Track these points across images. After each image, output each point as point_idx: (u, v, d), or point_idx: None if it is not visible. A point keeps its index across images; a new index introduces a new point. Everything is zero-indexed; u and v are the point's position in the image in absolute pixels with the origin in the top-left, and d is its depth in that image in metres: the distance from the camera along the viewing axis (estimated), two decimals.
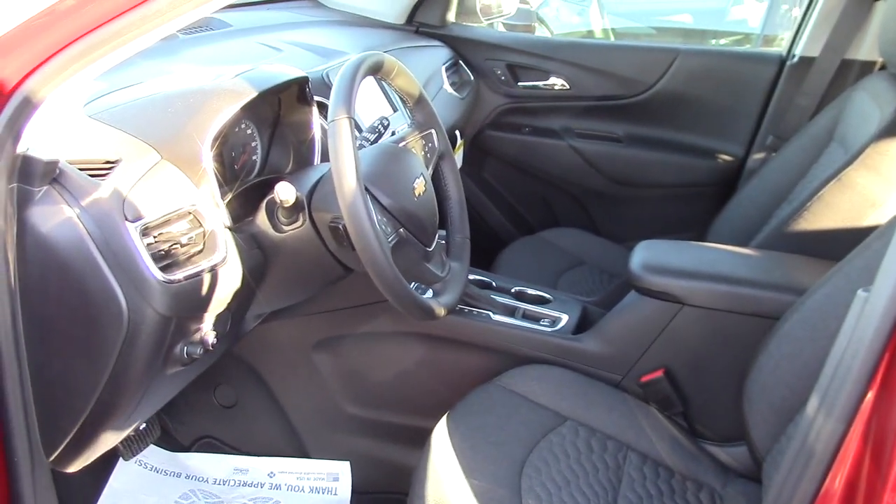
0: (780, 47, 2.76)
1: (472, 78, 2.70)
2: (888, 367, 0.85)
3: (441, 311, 1.44)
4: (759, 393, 1.37)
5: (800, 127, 2.15)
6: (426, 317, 1.41)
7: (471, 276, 1.92)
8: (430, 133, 1.62)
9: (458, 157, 2.58)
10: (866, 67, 2.29)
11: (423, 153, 1.60)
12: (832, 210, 1.66)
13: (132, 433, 1.51)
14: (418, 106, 1.60)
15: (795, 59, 2.40)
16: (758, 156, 2.45)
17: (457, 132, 2.48)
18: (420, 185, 1.44)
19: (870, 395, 0.86)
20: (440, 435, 1.48)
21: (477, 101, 2.73)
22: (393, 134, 1.66)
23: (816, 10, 2.35)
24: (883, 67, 2.17)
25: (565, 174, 2.76)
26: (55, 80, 0.99)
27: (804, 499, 0.90)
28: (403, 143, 1.55)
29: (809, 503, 0.90)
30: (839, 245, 1.40)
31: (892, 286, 0.83)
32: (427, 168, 1.59)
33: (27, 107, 0.98)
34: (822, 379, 0.92)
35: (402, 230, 1.40)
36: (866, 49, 2.29)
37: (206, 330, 1.30)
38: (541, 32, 3.84)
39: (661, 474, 1.49)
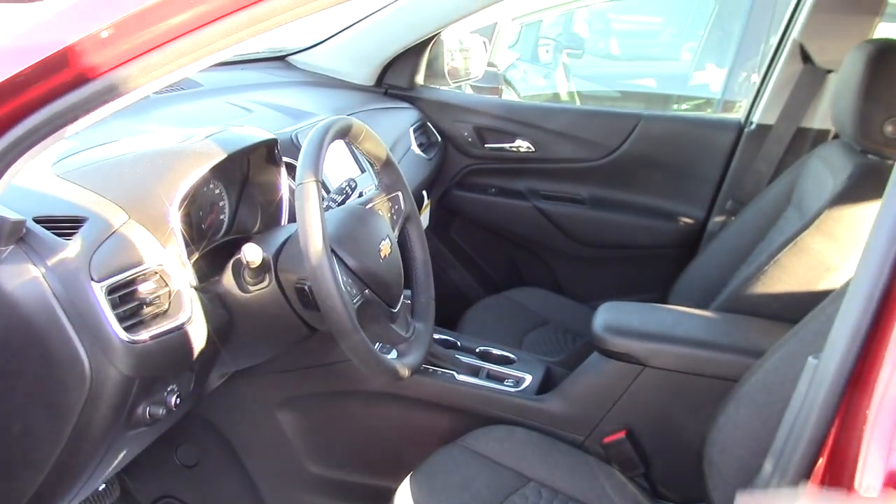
0: (738, 113, 2.84)
1: (440, 139, 2.73)
2: (839, 431, 0.87)
3: (405, 373, 1.45)
4: (718, 454, 1.38)
5: (758, 191, 2.20)
6: (390, 378, 1.42)
7: (436, 336, 1.93)
8: (397, 195, 1.65)
9: (425, 216, 2.61)
10: (821, 136, 2.37)
11: (389, 215, 1.63)
12: (788, 274, 1.70)
13: (90, 495, 1.49)
14: (385, 169, 1.63)
15: (753, 126, 2.46)
16: (718, 219, 2.50)
17: (424, 192, 2.51)
18: (386, 247, 1.46)
19: (822, 460, 0.88)
20: (402, 496, 1.48)
21: (444, 162, 2.76)
22: (360, 195, 1.69)
23: (773, 80, 2.43)
24: (836, 136, 2.24)
25: (531, 234, 2.80)
26: (23, 145, 1.00)
27: None
28: (370, 204, 1.57)
29: None
30: (796, 308, 1.44)
31: (841, 353, 0.86)
32: (393, 230, 1.61)
33: None
34: (776, 443, 0.94)
35: (367, 291, 1.41)
36: (820, 118, 2.37)
37: (170, 390, 1.30)
38: (508, 94, 3.92)
39: None
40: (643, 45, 6.79)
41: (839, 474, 0.86)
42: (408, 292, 1.65)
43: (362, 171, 2.07)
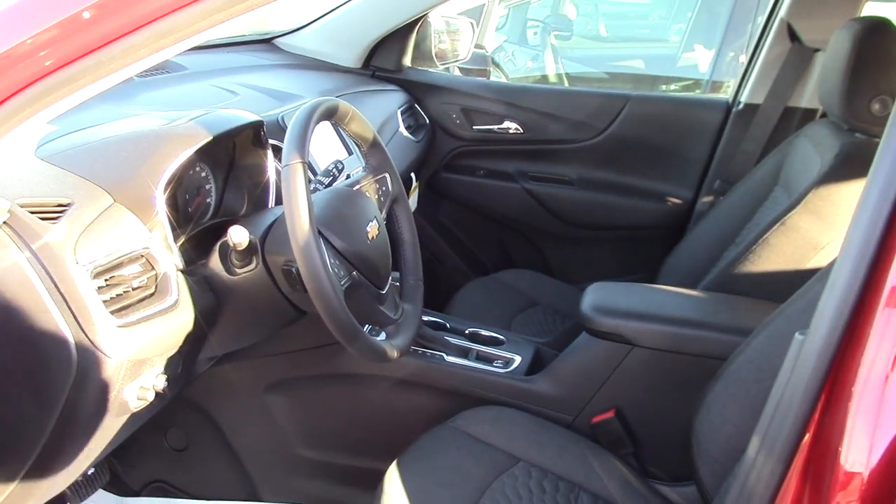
0: (726, 93, 2.84)
1: (428, 121, 2.73)
2: (825, 408, 0.87)
3: (394, 354, 1.45)
4: (706, 433, 1.39)
5: (746, 171, 2.21)
6: (379, 359, 1.42)
7: (425, 318, 1.93)
8: (384, 177, 1.64)
9: (414, 199, 2.60)
10: (808, 115, 2.37)
11: (376, 197, 1.62)
12: (776, 253, 1.70)
13: (80, 478, 1.48)
14: (372, 150, 1.62)
15: (741, 106, 2.47)
16: (706, 199, 2.51)
17: (412, 174, 2.50)
18: (373, 229, 1.46)
19: (808, 437, 0.88)
20: (392, 478, 1.48)
21: (432, 144, 2.76)
22: (348, 177, 1.68)
23: (760, 59, 2.43)
24: (824, 115, 2.25)
25: (519, 216, 2.80)
26: (8, 123, 0.99)
27: None
28: (357, 186, 1.56)
29: None
30: (783, 287, 1.44)
31: (826, 330, 0.86)
32: (381, 211, 1.60)
33: None
34: (763, 420, 0.95)
35: (355, 273, 1.41)
36: (808, 97, 2.37)
37: (157, 373, 1.29)
38: (497, 77, 3.90)
39: None
40: (632, 27, 6.80)
41: (825, 451, 0.86)
42: (396, 274, 1.65)
43: (350, 153, 2.06)
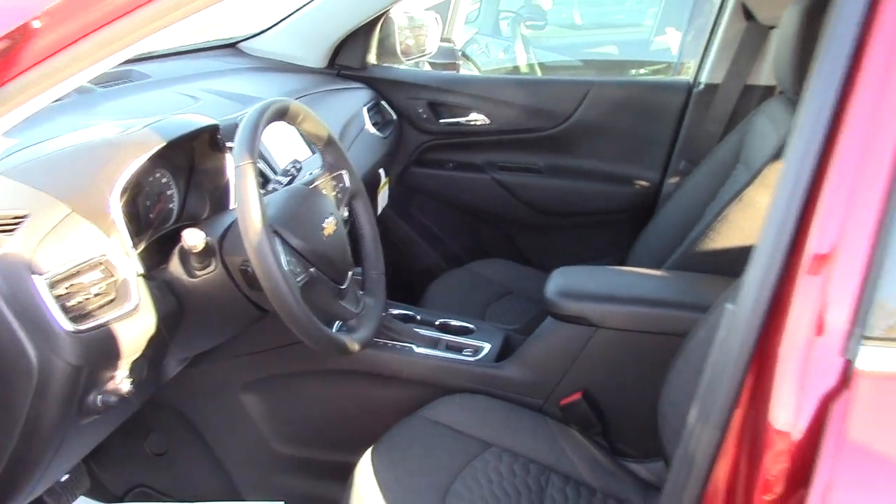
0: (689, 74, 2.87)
1: (395, 117, 2.75)
2: (755, 374, 0.90)
3: (355, 347, 1.47)
4: (670, 409, 1.42)
5: (709, 151, 2.23)
6: (340, 353, 1.44)
7: (395, 311, 1.95)
8: (341, 174, 1.67)
9: (384, 195, 2.62)
10: (768, 92, 2.40)
11: (334, 194, 1.64)
12: (734, 229, 1.73)
13: (57, 486, 1.51)
14: (328, 148, 1.64)
15: (701, 87, 2.50)
16: (672, 180, 2.54)
17: (381, 171, 2.52)
18: (330, 225, 1.48)
19: (741, 402, 0.91)
20: (363, 470, 1.50)
21: (400, 140, 2.78)
22: (308, 176, 1.70)
23: (718, 39, 2.45)
24: (782, 92, 2.27)
25: (490, 207, 2.82)
26: None
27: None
28: (314, 184, 1.59)
29: None
30: (743, 262, 1.45)
31: (753, 299, 0.89)
32: (339, 208, 1.63)
33: None
34: (699, 389, 0.97)
35: (312, 270, 1.43)
36: (766, 74, 2.40)
37: (121, 378, 1.31)
38: (468, 70, 3.92)
39: (582, 493, 1.53)
40: (607, 13, 6.80)
41: (756, 415, 0.89)
42: (360, 269, 1.68)
43: (313, 152, 2.08)
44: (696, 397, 0.98)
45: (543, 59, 5.13)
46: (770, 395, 0.86)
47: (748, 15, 2.36)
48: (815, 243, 0.85)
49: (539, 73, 4.85)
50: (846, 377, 0.83)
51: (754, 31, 2.36)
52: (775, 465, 0.86)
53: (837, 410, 0.83)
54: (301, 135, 2.07)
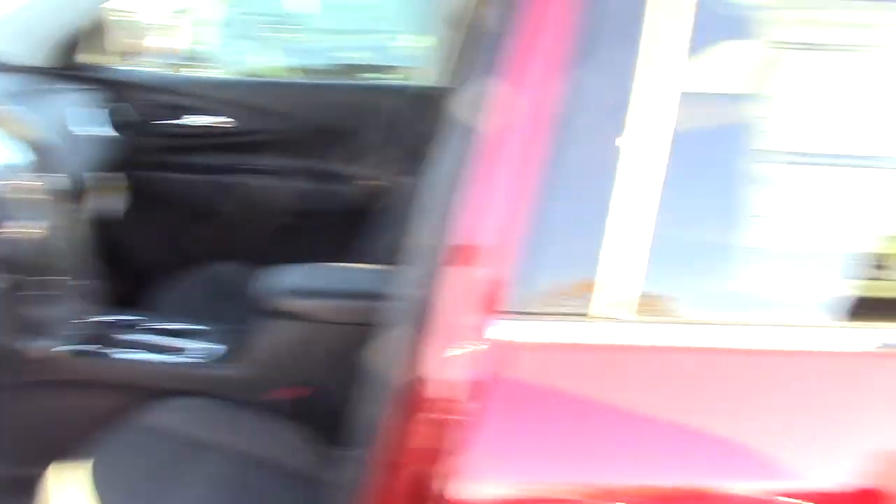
0: (425, 78, 3.00)
1: (130, 120, 2.66)
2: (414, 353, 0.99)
3: (37, 354, 1.43)
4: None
5: (427, 151, 2.35)
6: (21, 363, 1.40)
7: (114, 317, 1.91)
8: (50, 177, 1.62)
9: (120, 199, 2.53)
10: None
11: (40, 197, 1.59)
12: None
13: None
14: (38, 151, 1.60)
15: (424, 90, 2.63)
16: (396, 179, 2.64)
17: (115, 174, 2.44)
18: (27, 231, 1.44)
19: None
20: (50, 485, 1.45)
21: (135, 143, 2.70)
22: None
23: (434, 44, 2.59)
24: None
25: (226, 209, 2.82)
26: None
27: None
28: (14, 187, 1.53)
29: None
30: None
31: (409, 286, 0.98)
32: (45, 213, 1.58)
33: None
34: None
35: (8, 276, 1.39)
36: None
37: None
38: (214, 72, 3.85)
39: (300, 487, 1.57)
40: (361, 19, 6.91)
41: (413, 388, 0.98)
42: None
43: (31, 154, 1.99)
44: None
45: (295, 63, 5.13)
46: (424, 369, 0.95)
47: (470, 23, 2.50)
48: (461, 234, 0.95)
49: (290, 77, 4.85)
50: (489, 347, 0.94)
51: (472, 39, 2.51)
52: (430, 432, 0.95)
53: (481, 379, 0.94)
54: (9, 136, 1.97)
